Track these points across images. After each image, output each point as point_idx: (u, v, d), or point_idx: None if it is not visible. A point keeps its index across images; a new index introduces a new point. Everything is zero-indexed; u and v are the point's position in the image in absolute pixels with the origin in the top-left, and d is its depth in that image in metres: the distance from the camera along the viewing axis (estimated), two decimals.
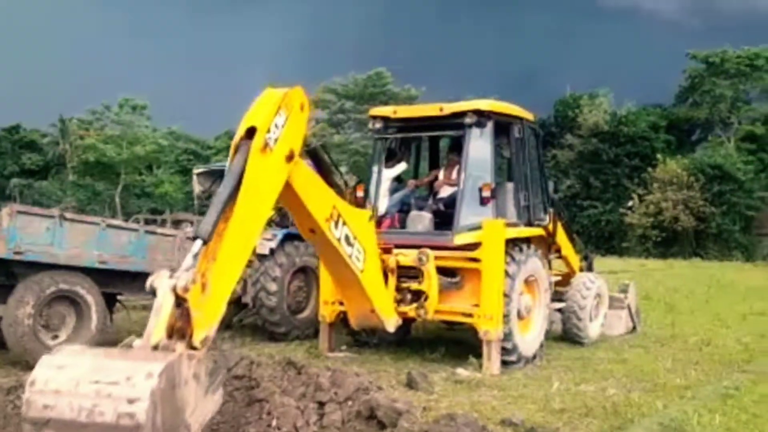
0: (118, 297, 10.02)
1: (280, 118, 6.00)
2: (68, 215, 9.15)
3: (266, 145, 5.80)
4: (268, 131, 5.85)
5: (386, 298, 8.71)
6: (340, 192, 7.66)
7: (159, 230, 10.19)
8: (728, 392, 8.16)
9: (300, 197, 6.68)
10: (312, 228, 7.24)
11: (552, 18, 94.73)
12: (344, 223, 7.44)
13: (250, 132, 5.77)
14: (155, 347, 4.51)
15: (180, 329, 4.77)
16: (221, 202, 5.34)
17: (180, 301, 4.70)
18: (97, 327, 8.83)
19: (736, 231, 39.58)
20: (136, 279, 9.44)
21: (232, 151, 5.79)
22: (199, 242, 5.09)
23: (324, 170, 7.46)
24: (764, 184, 40.43)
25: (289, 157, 6.17)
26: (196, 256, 5.04)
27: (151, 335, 4.52)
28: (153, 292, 4.71)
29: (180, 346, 4.66)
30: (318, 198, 7.03)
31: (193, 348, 4.77)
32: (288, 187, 6.33)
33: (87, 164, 46.17)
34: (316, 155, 7.48)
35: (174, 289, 4.64)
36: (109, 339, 9.40)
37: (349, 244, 7.62)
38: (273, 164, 5.96)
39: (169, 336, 4.66)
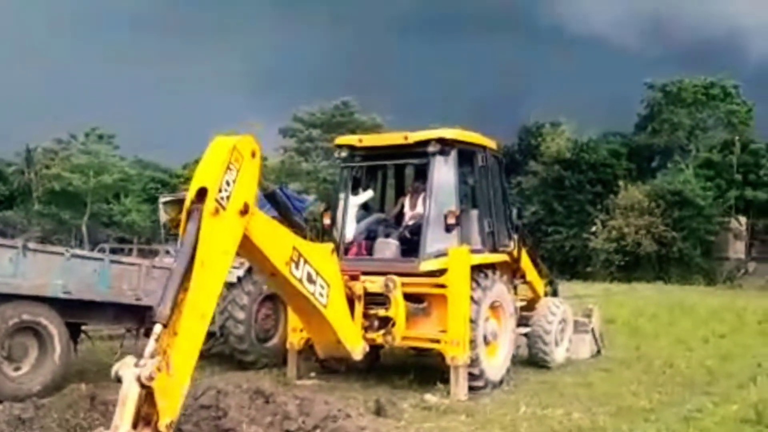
0: (83, 327, 9.89)
1: (230, 173, 5.98)
2: (31, 245, 9.04)
3: (218, 206, 5.79)
4: (219, 191, 5.83)
5: (352, 328, 8.71)
6: (299, 230, 7.65)
7: (125, 259, 10.11)
8: (691, 415, 8.30)
9: (258, 246, 6.63)
10: (272, 272, 7.22)
11: (516, 46, 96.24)
12: (305, 262, 7.39)
13: (201, 192, 5.76)
14: None
15: (146, 416, 4.90)
16: (179, 277, 5.36)
17: (145, 389, 4.79)
18: (60, 358, 8.69)
19: (696, 255, 40.25)
20: (102, 309, 9.35)
21: (184, 216, 5.78)
22: (158, 327, 5.13)
23: (282, 211, 7.48)
24: (722, 210, 41.29)
25: (243, 212, 6.15)
26: (157, 339, 5.10)
27: (119, 427, 4.63)
28: (118, 380, 4.81)
29: None
30: (277, 243, 6.99)
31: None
32: (245, 238, 6.29)
33: (53, 193, 45.51)
34: (273, 198, 7.50)
35: (138, 379, 4.74)
36: (72, 370, 9.28)
37: (311, 281, 7.57)
38: (227, 224, 5.94)
39: (135, 425, 4.76)
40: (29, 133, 48.04)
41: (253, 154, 6.35)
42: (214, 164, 5.95)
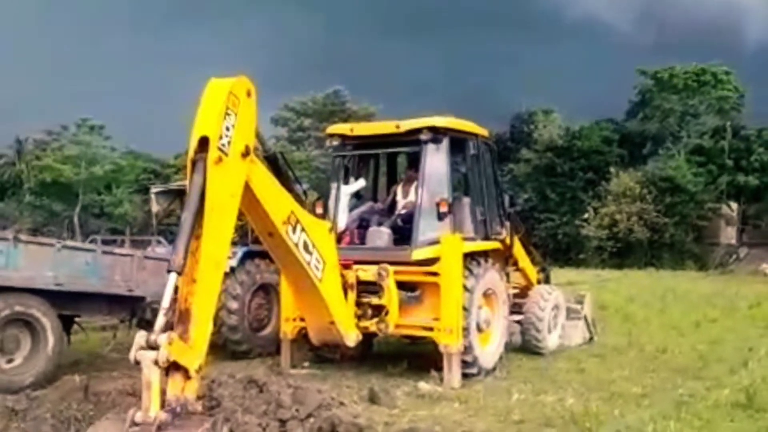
0: (76, 319, 9.87)
1: (229, 119, 6.08)
2: (22, 237, 9.01)
3: (221, 154, 5.91)
4: (220, 138, 5.94)
5: (346, 311, 8.75)
6: (299, 200, 7.72)
7: (117, 250, 10.08)
8: (683, 399, 8.36)
9: (257, 196, 6.74)
10: (270, 231, 7.31)
11: (509, 33, 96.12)
12: (302, 230, 7.52)
13: (203, 141, 5.87)
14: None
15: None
16: (189, 226, 5.51)
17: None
18: (53, 350, 8.69)
19: (688, 241, 40.43)
20: (94, 300, 9.33)
21: (189, 166, 5.89)
22: (173, 275, 5.31)
23: (282, 177, 7.52)
24: (714, 196, 41.44)
25: (245, 154, 6.28)
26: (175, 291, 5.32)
27: (149, 409, 4.85)
28: (137, 363, 5.01)
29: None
30: (275, 200, 7.10)
31: (189, 377, 5.22)
32: (246, 188, 6.41)
33: (44, 185, 45.38)
34: (274, 162, 7.53)
35: (156, 363, 4.93)
36: (66, 361, 9.28)
37: (308, 251, 7.67)
38: (231, 170, 6.07)
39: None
40: (20, 124, 47.76)
41: (249, 94, 6.42)
42: (213, 111, 6.02)
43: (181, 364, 5.21)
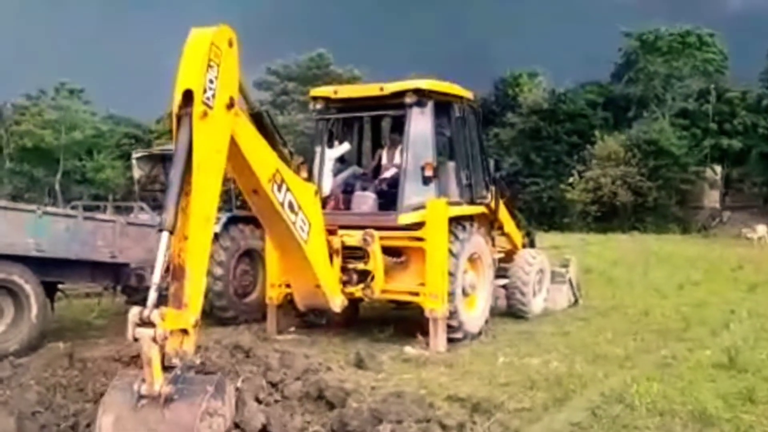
0: (59, 286, 9.80)
1: (212, 71, 6.02)
2: (2, 203, 8.91)
3: (205, 108, 5.88)
4: (204, 91, 5.91)
5: (331, 275, 8.73)
6: (284, 160, 7.67)
7: (99, 216, 9.98)
8: (666, 361, 8.48)
9: (242, 151, 6.73)
10: (255, 188, 7.30)
11: None
12: (288, 190, 7.52)
13: (187, 95, 5.85)
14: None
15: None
16: (177, 184, 5.53)
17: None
18: (37, 317, 8.63)
19: (672, 205, 40.71)
20: (77, 267, 9.26)
21: (174, 121, 5.87)
22: (165, 235, 5.37)
23: (268, 137, 7.46)
24: (697, 159, 41.63)
25: (230, 105, 6.28)
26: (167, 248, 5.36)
27: (153, 384, 4.95)
28: (135, 340, 5.07)
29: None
30: (260, 156, 7.08)
31: (187, 333, 5.33)
32: (231, 142, 6.39)
33: (24, 150, 44.82)
34: (260, 120, 7.46)
35: (155, 339, 4.99)
36: (50, 328, 9.23)
37: (293, 212, 7.66)
38: (216, 124, 6.06)
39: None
40: None
41: (231, 44, 6.35)
42: (195, 64, 5.98)
43: (179, 329, 5.29)
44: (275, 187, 7.33)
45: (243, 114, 6.80)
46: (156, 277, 5.27)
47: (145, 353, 5.03)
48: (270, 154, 7.31)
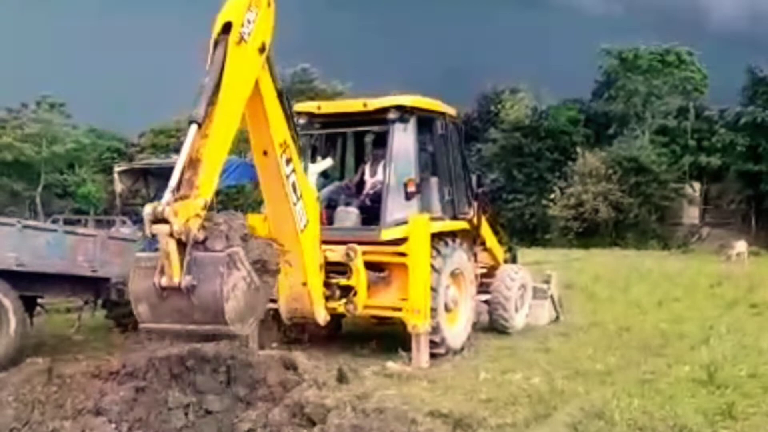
0: (39, 300, 9.71)
1: (251, 14, 6.66)
2: None
3: (241, 38, 6.50)
4: (242, 25, 6.53)
5: (318, 278, 8.62)
6: (296, 144, 7.75)
7: (79, 230, 9.91)
8: (645, 377, 8.51)
9: (263, 102, 7.10)
10: (265, 149, 7.45)
11: (475, 12, 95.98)
12: (294, 171, 7.64)
13: (227, 27, 6.46)
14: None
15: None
16: (209, 90, 6.12)
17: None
18: (15, 331, 8.53)
19: (652, 221, 41.14)
20: (57, 281, 9.18)
21: (211, 45, 6.45)
22: (194, 127, 5.91)
23: (285, 114, 7.59)
24: (677, 176, 42.07)
25: (261, 49, 6.83)
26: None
27: (172, 276, 5.36)
28: (153, 236, 5.45)
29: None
30: (276, 118, 7.37)
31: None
32: (255, 88, 6.83)
33: (5, 164, 44.36)
34: (282, 97, 7.57)
35: (171, 234, 5.34)
36: (29, 343, 9.12)
37: (296, 194, 7.70)
38: (248, 55, 6.62)
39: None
40: None
41: (269, 3, 6.99)
42: (239, 3, 6.60)
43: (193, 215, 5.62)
44: (284, 158, 7.47)
45: (268, 74, 7.17)
46: (177, 169, 5.69)
47: (162, 247, 5.39)
48: (285, 125, 7.53)
